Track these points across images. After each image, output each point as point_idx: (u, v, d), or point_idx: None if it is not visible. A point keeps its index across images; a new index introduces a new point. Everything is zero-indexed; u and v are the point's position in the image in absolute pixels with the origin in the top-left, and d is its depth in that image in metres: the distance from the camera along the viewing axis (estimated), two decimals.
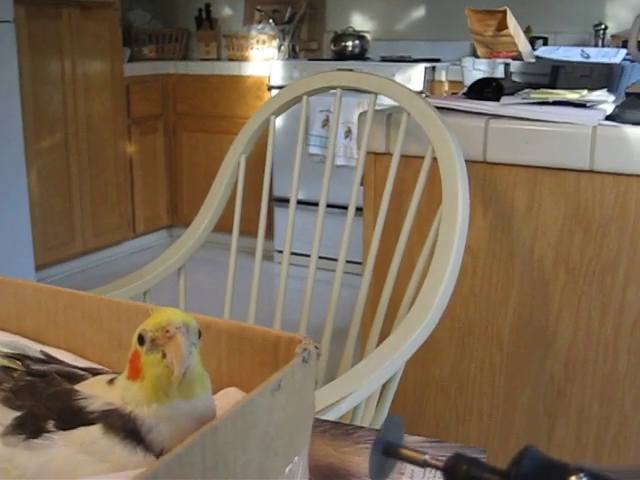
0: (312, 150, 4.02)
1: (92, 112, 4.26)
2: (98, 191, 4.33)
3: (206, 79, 4.60)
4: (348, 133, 3.91)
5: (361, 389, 1.14)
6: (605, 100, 1.65)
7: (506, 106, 1.58)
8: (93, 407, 0.47)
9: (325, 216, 1.55)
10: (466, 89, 1.81)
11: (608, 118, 1.54)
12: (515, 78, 2.19)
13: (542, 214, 1.55)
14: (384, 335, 1.27)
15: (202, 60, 4.89)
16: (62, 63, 4.05)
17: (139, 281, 1.52)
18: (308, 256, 1.56)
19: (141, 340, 0.47)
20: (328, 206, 1.58)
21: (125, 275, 1.54)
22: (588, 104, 1.59)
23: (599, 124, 1.48)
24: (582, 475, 0.31)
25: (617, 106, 1.58)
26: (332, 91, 1.60)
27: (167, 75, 4.71)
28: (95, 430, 0.46)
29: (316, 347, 0.47)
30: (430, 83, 3.96)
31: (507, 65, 2.29)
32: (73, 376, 0.50)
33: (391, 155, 1.52)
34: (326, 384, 1.14)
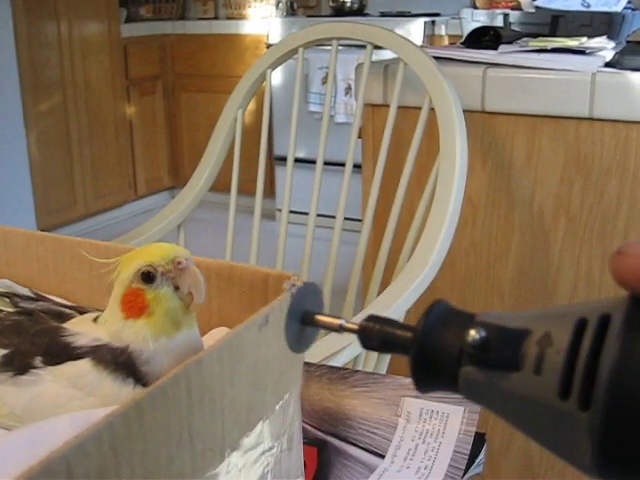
0: (312, 108, 3.99)
1: (90, 74, 4.23)
2: (98, 154, 4.32)
3: (204, 38, 4.56)
4: (348, 90, 3.88)
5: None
6: (605, 47, 1.63)
7: (504, 54, 1.56)
8: (80, 343, 0.47)
9: (327, 174, 1.55)
10: (464, 39, 1.79)
11: (608, 65, 1.52)
12: (514, 28, 2.17)
13: (542, 163, 1.54)
14: (384, 288, 1.27)
15: (199, 19, 4.85)
16: (58, 25, 4.02)
17: (139, 238, 1.51)
18: (307, 214, 1.55)
19: (147, 277, 0.47)
20: (330, 164, 1.58)
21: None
22: (587, 51, 1.57)
23: (598, 71, 1.47)
24: (481, 330, 0.31)
25: (617, 53, 1.56)
26: (329, 47, 1.57)
27: (164, 35, 4.67)
28: (83, 364, 0.46)
29: (304, 283, 0.47)
30: (430, 38, 3.93)
31: (506, 15, 2.27)
32: (60, 314, 0.50)
33: (388, 106, 1.51)
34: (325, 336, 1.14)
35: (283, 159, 4.21)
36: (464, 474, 0.64)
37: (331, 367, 0.75)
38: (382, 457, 0.66)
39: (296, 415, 0.50)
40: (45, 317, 0.49)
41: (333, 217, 1.49)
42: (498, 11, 2.32)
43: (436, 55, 1.53)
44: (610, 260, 0.29)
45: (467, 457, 0.65)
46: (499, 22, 2.29)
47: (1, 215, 3.59)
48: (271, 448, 0.46)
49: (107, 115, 4.36)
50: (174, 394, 0.37)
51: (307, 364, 0.74)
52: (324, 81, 3.98)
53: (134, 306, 0.47)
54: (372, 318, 0.35)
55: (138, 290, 0.47)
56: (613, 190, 1.49)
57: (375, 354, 1.27)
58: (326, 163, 1.58)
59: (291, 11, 4.72)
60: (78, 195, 4.21)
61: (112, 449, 0.33)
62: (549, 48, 1.58)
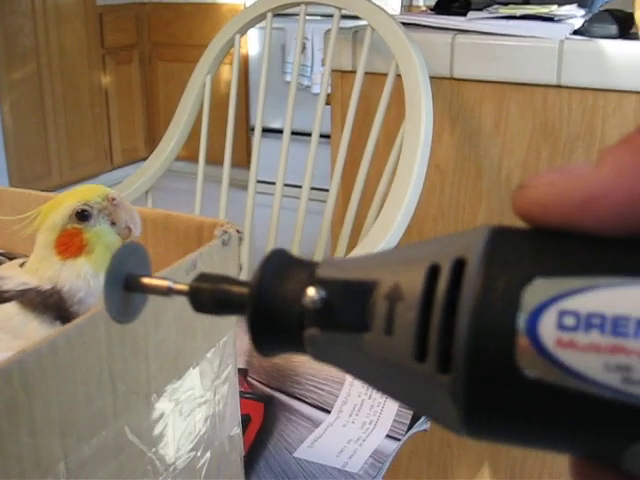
0: (288, 78, 3.96)
1: (65, 42, 4.18)
2: (74, 123, 4.28)
3: (180, 7, 4.52)
4: (324, 60, 3.86)
5: None
6: (574, 15, 1.63)
7: (473, 21, 1.55)
8: (7, 287, 0.46)
9: (301, 144, 1.54)
10: (434, 5, 1.78)
11: (576, 32, 1.52)
12: None
13: (509, 130, 1.54)
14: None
15: None
16: None
17: None
18: (286, 185, 1.55)
19: (83, 216, 0.47)
20: (305, 134, 1.57)
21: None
22: (556, 18, 1.57)
23: (567, 38, 1.46)
24: (320, 288, 0.27)
25: (586, 20, 1.56)
26: (308, 18, 1.56)
27: (141, 4, 4.62)
28: (9, 307, 0.45)
29: (238, 231, 0.47)
30: (407, 8, 3.91)
31: None
32: None
33: (357, 73, 1.50)
34: None
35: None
36: (408, 429, 0.65)
37: None
38: (328, 412, 0.66)
39: (231, 364, 0.50)
40: None
41: (301, 187, 1.49)
42: None
43: (405, 21, 1.52)
44: (512, 196, 0.28)
45: (412, 413, 0.66)
46: None
47: None
48: (202, 396, 0.46)
49: (82, 84, 4.32)
50: (92, 334, 0.36)
51: None
52: (301, 51, 3.96)
53: (71, 246, 0.47)
54: (203, 277, 0.31)
55: (74, 230, 0.48)
56: (580, 158, 1.50)
57: None
58: (301, 134, 1.58)
59: None
60: (53, 165, 4.18)
61: (23, 385, 0.33)
62: (518, 15, 1.57)
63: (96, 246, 0.48)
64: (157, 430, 0.42)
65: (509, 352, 0.24)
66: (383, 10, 1.44)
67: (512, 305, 0.24)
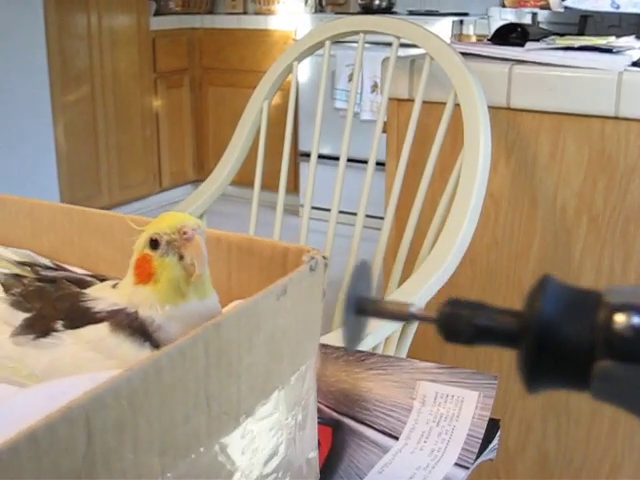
0: (339, 105, 4.00)
1: (118, 66, 4.26)
2: (125, 145, 4.35)
3: (232, 33, 4.58)
4: (374, 87, 3.88)
5: (379, 330, 1.14)
6: (632, 46, 1.63)
7: (531, 51, 1.56)
8: (100, 307, 0.47)
9: (352, 170, 1.55)
10: (491, 35, 1.79)
11: (635, 64, 1.52)
12: (543, 27, 2.17)
13: (565, 161, 1.53)
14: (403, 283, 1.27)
15: (228, 14, 4.86)
16: (88, 16, 4.05)
17: None
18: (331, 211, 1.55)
19: (154, 244, 0.47)
20: (355, 161, 1.58)
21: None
22: (614, 50, 1.57)
23: (625, 70, 1.46)
24: (633, 314, 0.24)
25: None
26: (356, 44, 1.57)
27: (193, 29, 4.69)
28: (102, 328, 0.47)
29: (324, 257, 0.47)
30: (458, 37, 3.92)
31: (535, 14, 2.26)
32: (81, 282, 0.51)
33: (414, 101, 1.51)
34: None
35: (308, 155, 4.22)
36: (476, 458, 0.65)
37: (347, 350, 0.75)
38: (396, 439, 0.66)
39: (312, 389, 0.50)
40: (66, 284, 0.50)
41: (354, 214, 1.50)
42: (526, 10, 2.31)
43: (463, 51, 1.53)
44: None
45: (480, 441, 0.66)
46: (527, 21, 2.28)
47: None
48: (286, 419, 0.47)
49: (134, 107, 4.39)
50: (192, 355, 0.38)
51: (324, 346, 0.75)
52: (350, 78, 3.98)
53: (143, 272, 0.48)
54: (454, 303, 0.28)
55: (147, 256, 0.48)
56: (637, 190, 1.49)
57: (394, 341, 1.28)
58: (351, 160, 1.59)
59: (320, 8, 4.73)
60: (103, 185, 4.24)
61: (130, 403, 0.34)
62: (576, 46, 1.58)
63: (161, 277, 0.48)
64: (245, 451, 0.43)
65: None
66: (442, 40, 1.45)
67: None
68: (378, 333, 1.15)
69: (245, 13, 4.88)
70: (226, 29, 4.61)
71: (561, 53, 1.54)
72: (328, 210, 1.68)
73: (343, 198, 1.54)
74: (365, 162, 1.49)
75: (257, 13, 4.71)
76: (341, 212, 1.56)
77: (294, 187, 4.31)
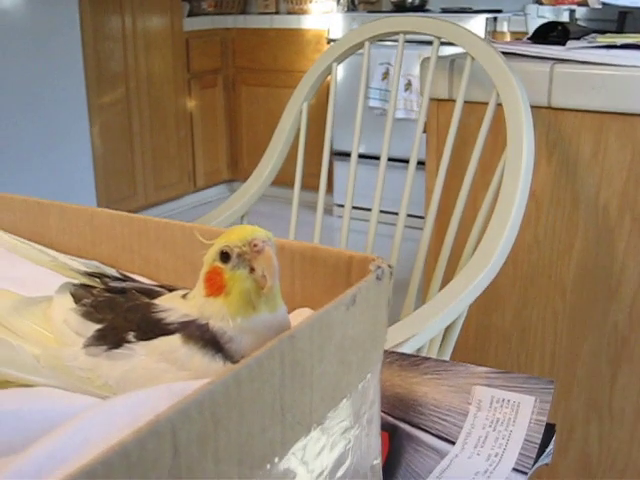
0: (372, 103, 3.99)
1: (152, 67, 4.29)
2: (159, 145, 4.38)
3: (265, 33, 4.59)
4: (408, 86, 3.88)
5: (425, 331, 1.14)
6: None
7: (572, 50, 1.55)
8: (171, 319, 0.48)
9: (386, 169, 1.55)
10: (530, 34, 1.78)
11: None
12: (581, 24, 2.15)
13: (608, 161, 1.52)
14: (445, 284, 1.27)
15: (261, 14, 4.88)
16: (122, 18, 4.08)
17: None
18: (366, 210, 1.56)
19: (225, 257, 0.48)
20: (390, 159, 1.58)
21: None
22: None
23: None
24: None
25: None
26: (391, 43, 1.58)
27: (226, 29, 4.71)
28: (174, 339, 0.47)
29: (389, 266, 0.48)
30: (492, 34, 3.90)
31: (572, 11, 2.25)
32: (150, 292, 0.51)
33: (454, 102, 1.51)
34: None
35: (340, 154, 4.23)
36: (534, 463, 0.65)
37: (402, 354, 0.76)
38: (452, 444, 0.66)
39: (376, 396, 0.51)
40: (136, 294, 0.51)
41: (390, 213, 1.50)
42: (564, 7, 2.30)
43: (502, 50, 1.52)
44: None
45: (538, 446, 0.66)
46: (565, 18, 2.27)
47: None
48: (352, 427, 0.48)
49: (168, 108, 4.42)
50: (269, 366, 0.38)
51: None
52: (384, 77, 3.98)
53: (214, 284, 0.48)
54: None
55: (218, 269, 0.48)
56: None
57: (438, 342, 1.28)
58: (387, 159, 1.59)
59: (352, 6, 4.73)
60: (139, 186, 4.28)
61: (212, 416, 0.35)
62: (618, 44, 1.56)
63: (232, 289, 0.48)
64: (315, 459, 0.44)
65: None
66: (482, 39, 1.45)
67: None
68: (423, 334, 1.15)
69: (277, 13, 4.90)
70: (259, 29, 4.62)
71: (603, 51, 1.53)
72: (361, 209, 1.68)
73: (375, 197, 1.54)
74: (399, 160, 1.49)
75: (289, 13, 4.72)
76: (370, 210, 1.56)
77: (328, 186, 4.31)
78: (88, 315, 0.49)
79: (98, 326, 0.49)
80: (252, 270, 0.47)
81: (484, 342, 1.74)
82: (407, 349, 1.10)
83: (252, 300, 0.47)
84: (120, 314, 0.49)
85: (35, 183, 3.62)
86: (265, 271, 0.46)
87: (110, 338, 0.48)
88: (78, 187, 3.86)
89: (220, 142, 4.80)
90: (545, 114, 1.55)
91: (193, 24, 4.53)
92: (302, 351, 0.40)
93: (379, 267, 0.46)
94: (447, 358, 1.32)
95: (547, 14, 2.36)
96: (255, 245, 0.47)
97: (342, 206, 4.28)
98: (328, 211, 4.22)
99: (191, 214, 4.50)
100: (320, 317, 0.42)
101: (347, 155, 3.99)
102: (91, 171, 3.92)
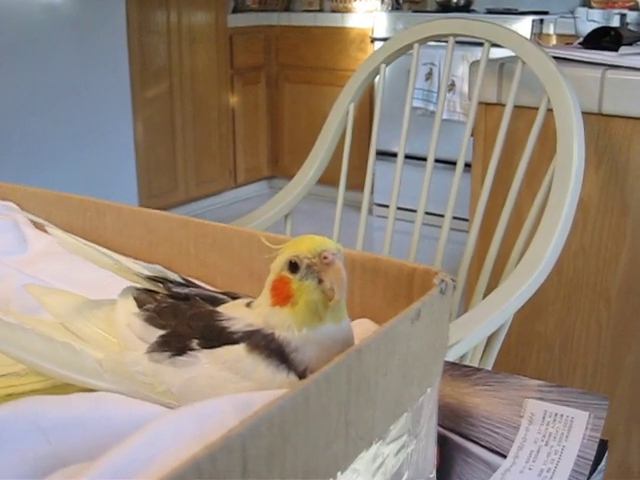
0: (415, 103, 3.97)
1: (196, 62, 4.31)
2: (201, 141, 4.40)
3: (309, 30, 4.59)
4: (451, 87, 3.85)
5: (469, 337, 1.13)
6: None
7: (625, 56, 1.53)
8: (235, 327, 0.48)
9: (423, 170, 1.54)
10: (582, 39, 1.76)
11: None
12: (631, 29, 2.12)
13: None
14: (490, 290, 1.26)
15: (305, 11, 4.87)
16: (168, 14, 4.10)
17: (247, 226, 1.54)
18: (408, 210, 1.55)
19: (294, 267, 0.47)
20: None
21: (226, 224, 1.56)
22: None
23: None
24: None
25: None
26: (434, 43, 1.56)
27: (270, 26, 4.72)
28: (239, 349, 0.47)
29: (452, 280, 0.47)
30: (538, 36, 3.86)
31: (623, 16, 2.22)
32: (214, 299, 0.51)
33: (503, 106, 1.49)
34: None
35: (382, 153, 4.21)
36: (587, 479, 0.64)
37: (453, 364, 0.75)
38: (504, 457, 0.66)
39: (434, 410, 0.50)
40: (200, 302, 0.50)
41: (432, 214, 1.49)
42: (615, 11, 2.27)
43: (553, 54, 1.50)
44: None
45: (591, 463, 0.65)
46: (615, 22, 2.24)
47: (107, 198, 3.68)
48: (411, 441, 0.47)
49: (211, 103, 4.43)
50: (336, 381, 0.38)
51: None
52: (427, 77, 3.96)
53: (281, 294, 0.48)
54: None
55: (285, 278, 0.48)
56: None
57: (481, 349, 1.27)
58: (426, 159, 1.58)
59: (396, 5, 4.71)
60: (180, 181, 4.30)
61: (281, 431, 0.34)
62: None
63: (300, 299, 0.48)
64: (375, 474, 0.43)
65: None
66: (535, 44, 1.43)
67: None
68: (466, 341, 1.14)
69: (321, 11, 4.89)
70: (302, 26, 4.62)
71: None
72: (401, 209, 1.67)
73: (420, 198, 1.54)
74: (441, 162, 1.48)
75: (333, 11, 4.71)
76: (414, 211, 1.55)
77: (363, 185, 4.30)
78: (151, 320, 0.49)
79: (161, 332, 0.48)
80: (320, 281, 0.47)
81: (525, 349, 1.72)
82: (450, 356, 1.09)
83: (319, 311, 0.47)
84: (184, 321, 0.49)
85: (77, 176, 3.65)
86: (334, 284, 0.46)
87: (174, 345, 0.48)
88: (120, 181, 3.89)
89: (261, 139, 4.81)
90: (595, 120, 1.53)
91: (237, 20, 4.54)
92: (368, 366, 0.40)
93: (443, 281, 0.46)
94: (490, 366, 1.31)
95: (597, 18, 2.33)
96: (325, 257, 0.46)
97: (382, 205, 4.27)
98: (368, 210, 4.21)
99: (231, 210, 4.51)
100: (386, 331, 0.41)
101: (388, 155, 3.98)
102: (133, 165, 3.95)
